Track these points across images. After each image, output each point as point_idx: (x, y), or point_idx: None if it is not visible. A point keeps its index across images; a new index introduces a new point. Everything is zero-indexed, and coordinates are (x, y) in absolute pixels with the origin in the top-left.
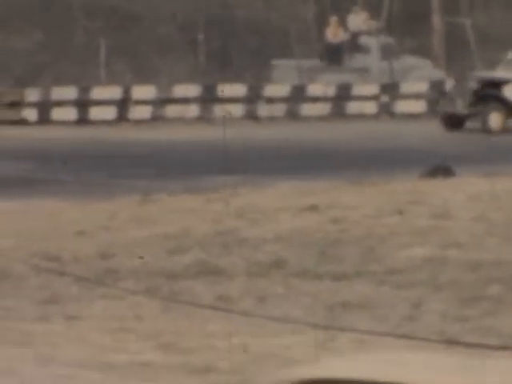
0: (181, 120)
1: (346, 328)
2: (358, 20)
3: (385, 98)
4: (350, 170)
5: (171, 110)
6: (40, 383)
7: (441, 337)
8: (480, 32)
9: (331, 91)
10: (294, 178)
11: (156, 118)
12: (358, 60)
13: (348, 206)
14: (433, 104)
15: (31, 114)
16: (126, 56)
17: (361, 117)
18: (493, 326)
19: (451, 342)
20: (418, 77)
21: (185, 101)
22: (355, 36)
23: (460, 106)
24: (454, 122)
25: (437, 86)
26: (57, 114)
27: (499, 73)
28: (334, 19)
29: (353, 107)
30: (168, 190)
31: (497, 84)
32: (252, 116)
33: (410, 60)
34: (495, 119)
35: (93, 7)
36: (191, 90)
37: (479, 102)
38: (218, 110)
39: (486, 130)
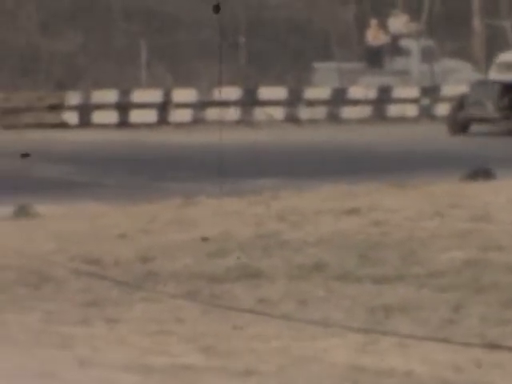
0: (221, 123)
1: (387, 331)
2: (398, 23)
3: (425, 101)
4: (391, 173)
5: (211, 113)
6: None
7: (482, 340)
8: None
9: (372, 94)
10: (334, 180)
11: (196, 121)
12: (399, 63)
13: (389, 209)
14: None
15: (72, 118)
16: (166, 59)
17: (401, 120)
18: None
19: (492, 346)
20: (459, 80)
21: (225, 104)
22: (396, 39)
23: (490, 110)
24: (459, 126)
25: None
26: (97, 117)
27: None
28: (374, 22)
29: (393, 110)
30: (208, 193)
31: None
32: (293, 119)
33: (450, 63)
34: None
35: (133, 10)
36: (232, 92)
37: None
38: (259, 113)
39: None
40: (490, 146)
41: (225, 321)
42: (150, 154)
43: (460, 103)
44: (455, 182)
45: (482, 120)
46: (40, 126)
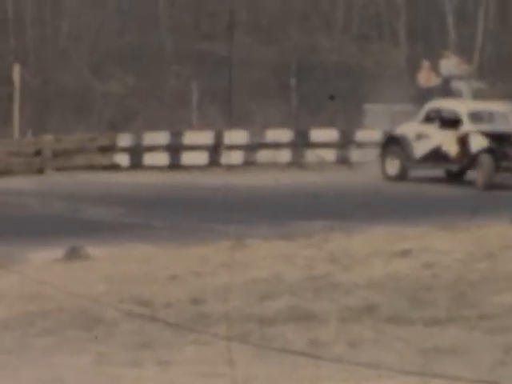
0: (273, 165)
1: (437, 374)
2: (449, 64)
3: None
4: (442, 215)
5: (263, 155)
6: None
7: None
8: None
9: None
10: (385, 222)
11: (248, 163)
12: None
13: (440, 251)
14: None
15: (123, 159)
16: (217, 100)
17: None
18: None
19: None
20: (509, 122)
21: (277, 146)
22: (447, 80)
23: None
24: (455, 175)
25: None
26: (149, 158)
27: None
28: (426, 64)
29: None
30: (259, 235)
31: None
32: (344, 161)
33: (502, 105)
34: None
35: (184, 51)
36: (283, 134)
37: None
38: (310, 155)
39: None
40: None
41: (276, 363)
42: (201, 195)
43: None
44: (506, 224)
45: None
46: (91, 167)
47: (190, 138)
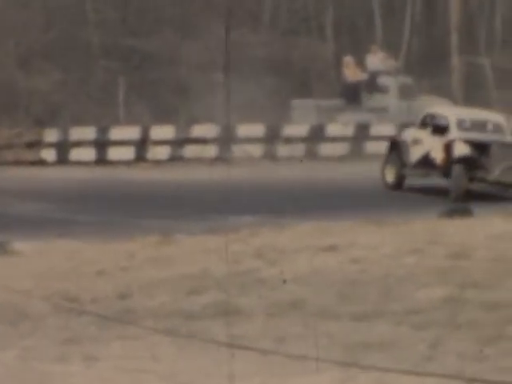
0: (199, 160)
1: (365, 366)
2: (376, 59)
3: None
4: (369, 210)
5: (190, 150)
6: None
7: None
8: (499, 72)
9: (349, 131)
10: (312, 217)
11: (175, 158)
12: (377, 100)
13: (367, 246)
14: None
15: (50, 155)
16: (144, 96)
17: (379, 156)
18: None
19: (471, 380)
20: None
21: (203, 141)
22: (373, 75)
23: None
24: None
25: None
26: (75, 154)
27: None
28: (350, 59)
29: (371, 147)
30: (186, 231)
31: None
32: (270, 156)
33: (428, 100)
34: None
35: (111, 47)
36: (210, 130)
37: None
38: (237, 150)
39: None
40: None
41: (202, 358)
42: (128, 191)
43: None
44: (433, 219)
45: None
46: (18, 163)
47: (116, 133)
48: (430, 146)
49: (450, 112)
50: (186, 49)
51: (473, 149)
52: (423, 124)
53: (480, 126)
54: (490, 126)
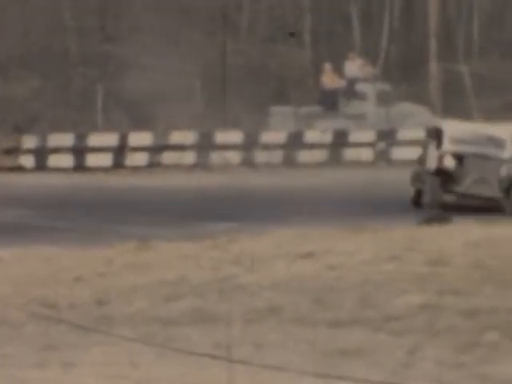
0: (177, 167)
1: (343, 376)
2: (354, 66)
3: (381, 145)
4: (347, 217)
5: (168, 157)
6: None
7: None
8: (477, 79)
9: (328, 138)
10: (290, 224)
11: (153, 165)
12: (355, 106)
13: (344, 253)
14: None
15: (28, 161)
16: (122, 103)
17: (357, 163)
18: (489, 372)
19: None
20: (415, 123)
21: (181, 147)
22: (351, 82)
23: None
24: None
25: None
26: (54, 160)
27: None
28: (328, 66)
29: (349, 154)
30: (165, 237)
31: None
32: (249, 163)
33: (406, 107)
34: None
35: (89, 54)
36: (188, 136)
37: None
38: (215, 157)
39: None
40: None
41: (180, 365)
42: (106, 197)
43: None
44: (411, 226)
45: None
46: None
47: (94, 139)
48: (433, 158)
49: (447, 126)
50: (164, 55)
51: (456, 162)
52: (435, 137)
53: (478, 140)
54: (490, 142)
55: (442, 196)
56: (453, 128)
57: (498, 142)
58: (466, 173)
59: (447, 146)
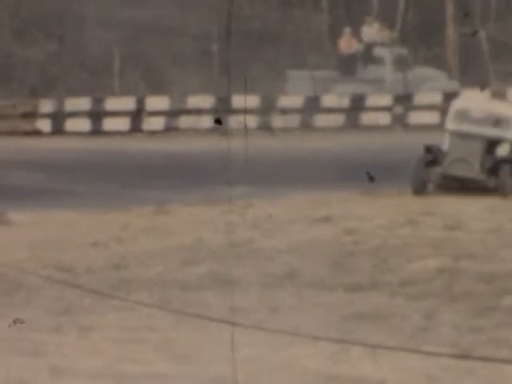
0: (194, 131)
1: (358, 340)
2: (371, 31)
3: (398, 109)
4: (364, 182)
5: (185, 121)
6: None
7: (454, 348)
8: (494, 43)
9: (345, 102)
10: (308, 189)
11: (170, 129)
12: (372, 71)
13: (361, 217)
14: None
15: (45, 125)
16: (139, 67)
17: (374, 128)
18: (506, 337)
19: (462, 357)
20: (432, 88)
21: (198, 112)
22: (369, 47)
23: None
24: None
25: (450, 98)
26: (70, 125)
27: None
28: (347, 30)
29: (366, 118)
30: (182, 201)
31: None
32: (266, 127)
33: (423, 71)
34: None
35: (106, 18)
36: (205, 101)
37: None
38: (232, 121)
39: None
40: None
41: (197, 329)
42: (123, 161)
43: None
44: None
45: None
46: (13, 133)
47: (111, 103)
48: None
49: (455, 103)
50: (181, 19)
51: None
52: None
53: (487, 119)
54: (500, 122)
55: (427, 176)
56: (462, 104)
57: (506, 122)
58: (447, 152)
59: (449, 123)
